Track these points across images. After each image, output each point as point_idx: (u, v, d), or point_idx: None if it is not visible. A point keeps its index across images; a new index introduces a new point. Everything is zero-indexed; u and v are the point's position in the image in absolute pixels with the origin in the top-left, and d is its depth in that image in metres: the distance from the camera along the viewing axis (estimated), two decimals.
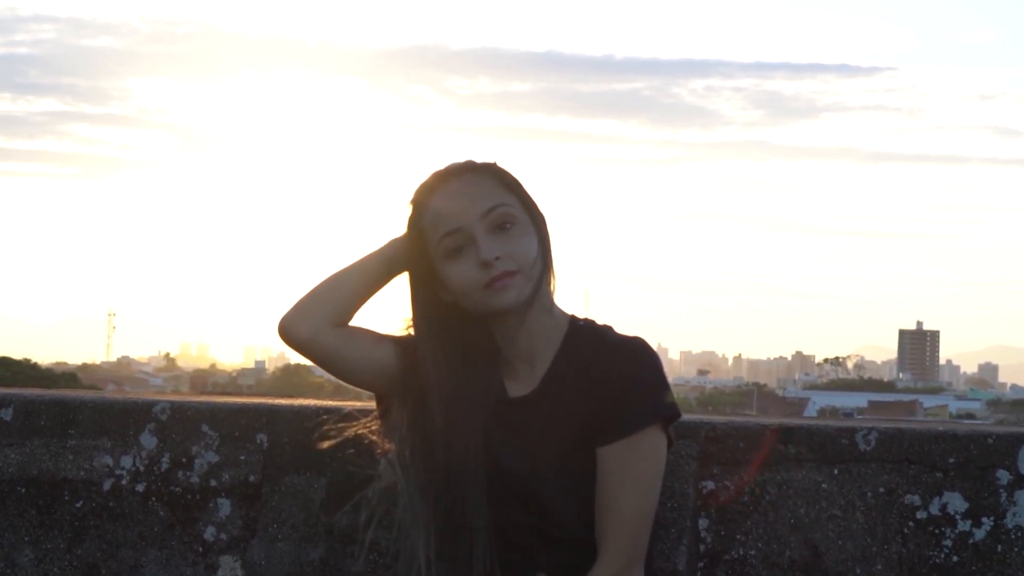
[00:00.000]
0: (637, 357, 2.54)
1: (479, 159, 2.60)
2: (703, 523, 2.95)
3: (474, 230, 2.50)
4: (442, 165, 2.59)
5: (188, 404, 3.18)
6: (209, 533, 3.13)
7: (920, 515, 2.87)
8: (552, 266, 2.60)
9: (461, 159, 2.60)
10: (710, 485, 2.95)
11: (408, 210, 2.59)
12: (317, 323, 2.59)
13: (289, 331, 2.59)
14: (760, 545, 2.92)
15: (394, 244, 2.64)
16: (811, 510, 2.90)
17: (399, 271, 2.65)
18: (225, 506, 3.13)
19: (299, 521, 3.09)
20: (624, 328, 2.65)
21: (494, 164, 2.59)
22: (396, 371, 2.63)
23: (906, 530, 2.87)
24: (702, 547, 2.94)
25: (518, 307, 2.53)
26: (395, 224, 2.66)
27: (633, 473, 2.50)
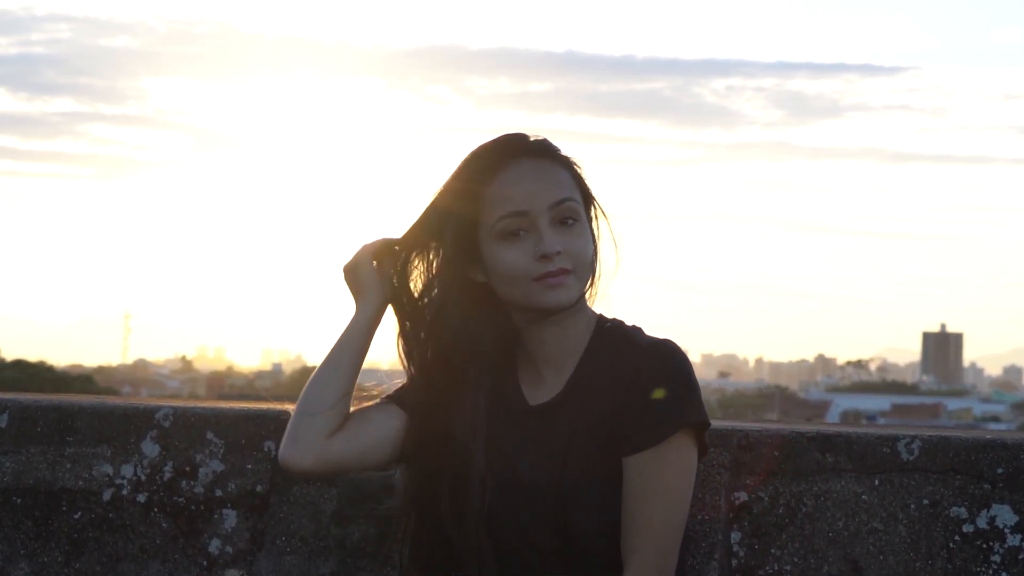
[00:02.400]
0: (667, 360, 2.40)
1: (554, 143, 2.48)
2: (735, 536, 2.82)
3: (539, 219, 2.39)
4: (514, 132, 2.46)
5: (192, 410, 3.07)
6: (214, 546, 3.02)
7: (967, 528, 2.75)
8: (598, 270, 2.49)
9: (534, 133, 2.47)
10: (743, 496, 2.82)
11: (467, 170, 2.44)
12: (313, 444, 2.45)
13: (289, 464, 2.46)
14: (796, 560, 2.80)
15: (360, 320, 2.52)
16: (850, 523, 2.78)
17: (376, 328, 2.53)
18: (231, 517, 3.02)
19: (308, 533, 2.98)
20: (645, 330, 2.50)
21: (569, 157, 2.48)
22: (410, 431, 2.49)
23: (952, 544, 2.75)
24: (734, 562, 2.82)
25: (563, 308, 2.41)
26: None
27: (662, 484, 2.37)
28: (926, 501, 2.76)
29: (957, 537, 2.74)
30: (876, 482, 2.77)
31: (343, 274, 2.58)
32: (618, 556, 2.39)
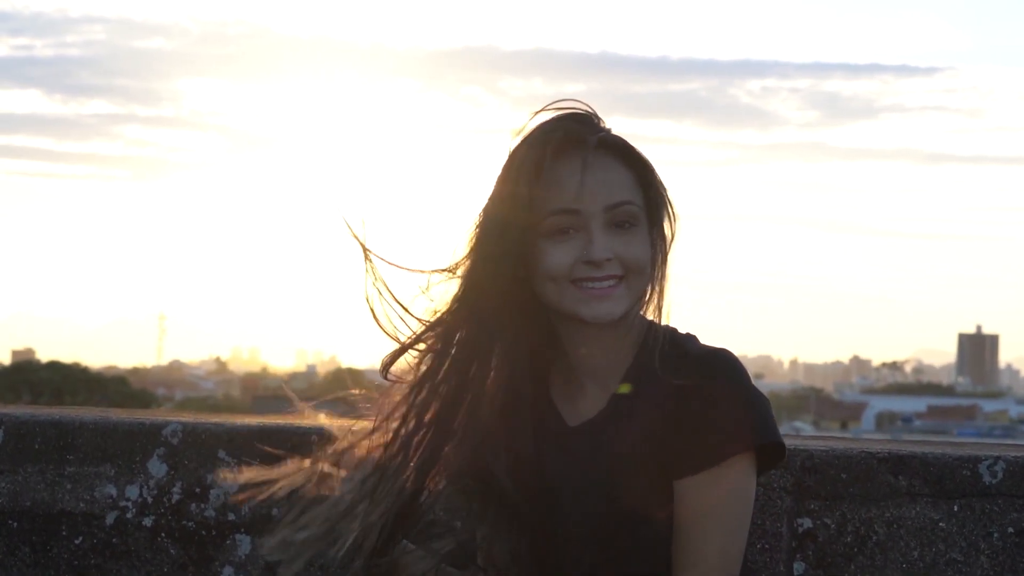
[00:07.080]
0: (723, 373, 2.19)
1: (621, 137, 2.23)
2: (799, 567, 2.64)
3: (591, 220, 2.18)
4: (577, 112, 2.22)
5: (202, 426, 2.90)
6: (226, 574, 2.86)
7: None
8: (653, 278, 2.25)
9: (601, 118, 2.23)
10: (807, 523, 2.63)
11: (518, 158, 2.21)
12: None
13: None
14: None
15: None
16: (926, 553, 2.60)
17: None
18: (244, 543, 2.86)
19: (328, 561, 2.75)
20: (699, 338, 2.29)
21: (641, 156, 2.23)
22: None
23: None
24: None
25: (605, 322, 2.20)
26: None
27: (719, 509, 2.18)
28: (1011, 529, 2.58)
29: None
30: (955, 508, 2.60)
31: None
32: None
